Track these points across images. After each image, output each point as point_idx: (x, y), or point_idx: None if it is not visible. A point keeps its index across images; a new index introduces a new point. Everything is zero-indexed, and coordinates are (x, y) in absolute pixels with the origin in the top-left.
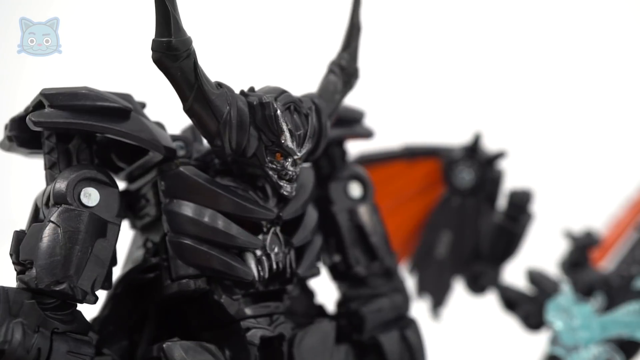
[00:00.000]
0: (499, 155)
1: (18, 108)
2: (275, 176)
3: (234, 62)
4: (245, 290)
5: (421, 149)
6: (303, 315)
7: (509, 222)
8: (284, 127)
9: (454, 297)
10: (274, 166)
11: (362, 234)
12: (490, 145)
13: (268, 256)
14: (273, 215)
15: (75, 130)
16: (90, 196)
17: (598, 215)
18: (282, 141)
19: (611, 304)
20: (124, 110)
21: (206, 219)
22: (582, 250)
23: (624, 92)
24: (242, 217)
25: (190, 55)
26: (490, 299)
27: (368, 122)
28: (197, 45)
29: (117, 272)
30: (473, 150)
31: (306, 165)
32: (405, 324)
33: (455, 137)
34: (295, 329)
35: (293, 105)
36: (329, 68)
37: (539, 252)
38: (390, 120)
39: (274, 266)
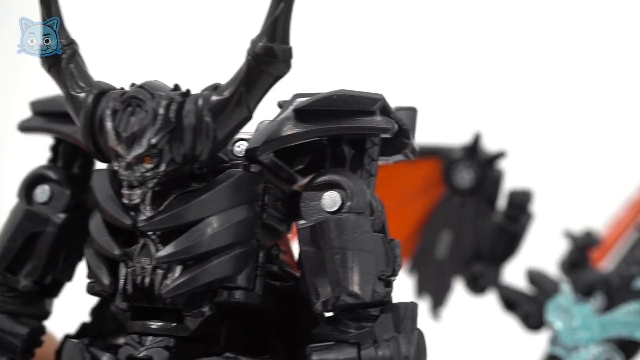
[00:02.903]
0: (499, 155)
1: (18, 108)
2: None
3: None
4: (122, 302)
5: (421, 148)
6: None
7: (509, 222)
8: (107, 127)
9: (454, 297)
10: (116, 169)
11: (321, 258)
12: (490, 145)
13: (135, 269)
14: (128, 223)
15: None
16: (42, 193)
17: (598, 215)
18: (106, 142)
19: (611, 304)
20: None
21: (90, 222)
22: (582, 250)
23: (624, 92)
24: (112, 223)
25: (56, 63)
26: (490, 299)
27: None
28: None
29: None
30: (473, 150)
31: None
32: None
33: (455, 137)
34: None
35: (136, 101)
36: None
37: (539, 252)
38: None
39: (138, 280)
